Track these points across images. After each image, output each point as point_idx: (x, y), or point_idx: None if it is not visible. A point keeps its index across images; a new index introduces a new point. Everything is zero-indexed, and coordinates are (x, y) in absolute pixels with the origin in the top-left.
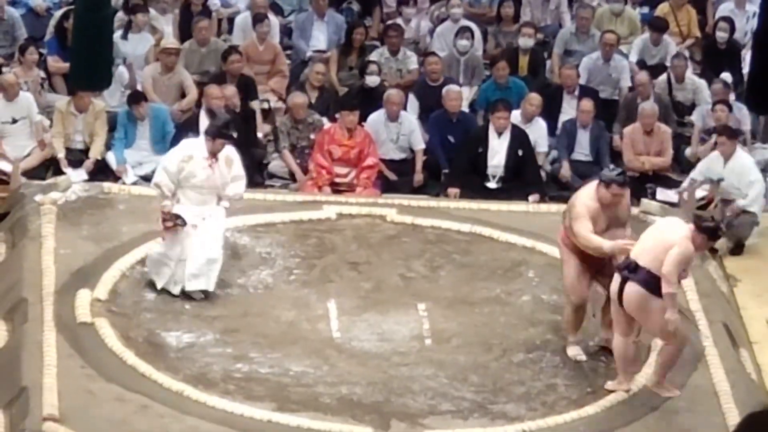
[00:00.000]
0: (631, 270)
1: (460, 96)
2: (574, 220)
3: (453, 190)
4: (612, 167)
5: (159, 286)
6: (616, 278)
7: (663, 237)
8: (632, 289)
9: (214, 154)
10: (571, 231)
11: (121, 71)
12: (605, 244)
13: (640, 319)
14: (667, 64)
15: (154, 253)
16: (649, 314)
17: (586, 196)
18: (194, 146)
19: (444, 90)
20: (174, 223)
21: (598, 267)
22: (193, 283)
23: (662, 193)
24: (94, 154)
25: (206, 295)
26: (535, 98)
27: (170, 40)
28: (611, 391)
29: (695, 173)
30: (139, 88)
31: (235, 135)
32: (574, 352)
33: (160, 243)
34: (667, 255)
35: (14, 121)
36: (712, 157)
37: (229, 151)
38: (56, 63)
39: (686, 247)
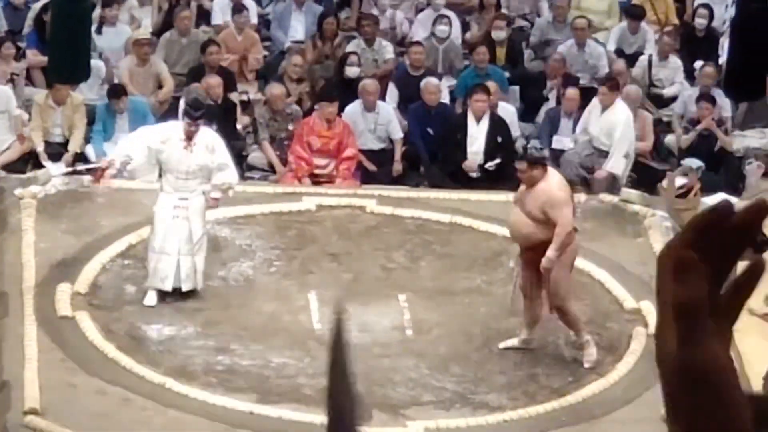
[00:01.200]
0: None
1: (439, 89)
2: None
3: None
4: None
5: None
6: None
7: None
8: None
9: (189, 137)
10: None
11: (98, 65)
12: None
13: None
14: (645, 52)
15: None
16: None
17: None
18: (172, 127)
19: (422, 83)
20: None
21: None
22: (187, 284)
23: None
24: (74, 147)
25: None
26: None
27: (142, 32)
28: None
29: (579, 126)
30: (116, 80)
31: (212, 123)
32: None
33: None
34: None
35: None
36: (590, 107)
37: (211, 137)
38: (35, 56)
39: None
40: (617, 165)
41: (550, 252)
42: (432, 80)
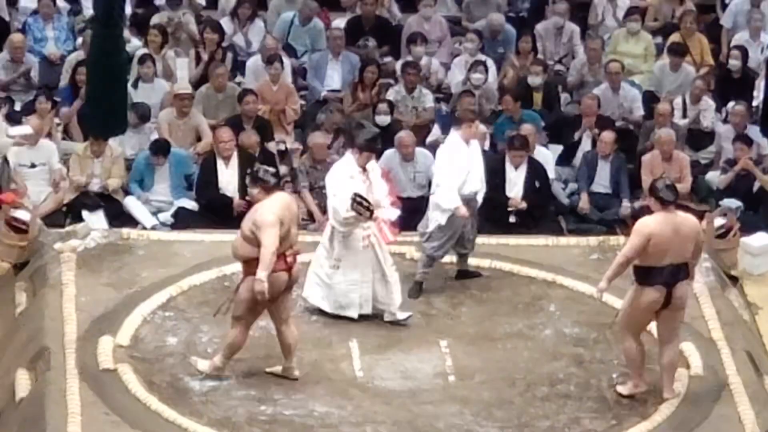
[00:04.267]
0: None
1: (485, 136)
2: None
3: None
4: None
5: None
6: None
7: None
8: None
9: (364, 168)
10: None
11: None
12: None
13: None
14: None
15: (321, 276)
16: None
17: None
18: (346, 165)
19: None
20: (364, 210)
21: None
22: (387, 310)
23: None
24: (111, 184)
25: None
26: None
27: (183, 85)
28: (626, 396)
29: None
30: (155, 135)
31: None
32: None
33: (329, 267)
34: None
35: (33, 166)
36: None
37: (377, 168)
38: (69, 113)
39: None
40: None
41: (258, 272)
42: (480, 127)
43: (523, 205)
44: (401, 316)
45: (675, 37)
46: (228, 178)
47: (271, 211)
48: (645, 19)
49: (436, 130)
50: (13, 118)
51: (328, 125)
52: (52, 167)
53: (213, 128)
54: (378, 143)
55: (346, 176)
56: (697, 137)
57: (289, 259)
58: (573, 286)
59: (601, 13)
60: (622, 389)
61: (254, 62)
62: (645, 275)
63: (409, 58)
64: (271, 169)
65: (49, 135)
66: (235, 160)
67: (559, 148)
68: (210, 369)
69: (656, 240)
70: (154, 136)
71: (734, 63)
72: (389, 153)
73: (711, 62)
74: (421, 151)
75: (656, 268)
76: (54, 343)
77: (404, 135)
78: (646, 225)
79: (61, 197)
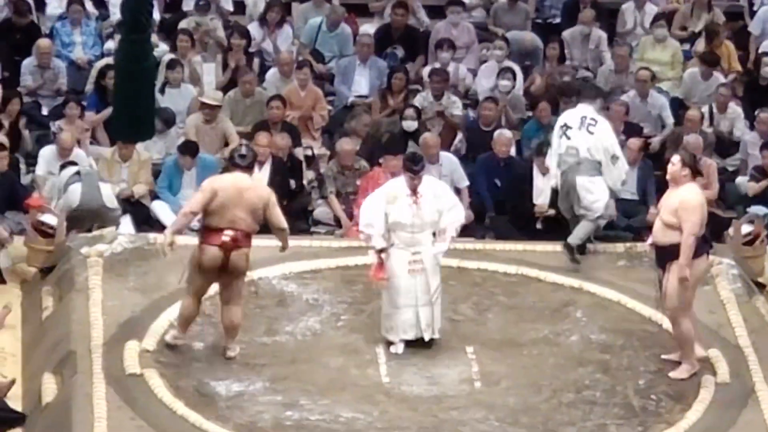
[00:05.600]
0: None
1: (511, 142)
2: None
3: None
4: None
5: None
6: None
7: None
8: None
9: (415, 190)
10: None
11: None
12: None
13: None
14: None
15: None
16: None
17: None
18: (395, 186)
19: (496, 134)
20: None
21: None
22: (428, 333)
23: None
24: (138, 190)
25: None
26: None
27: (210, 94)
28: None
29: None
30: (182, 138)
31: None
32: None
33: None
34: None
35: None
36: None
37: (434, 183)
38: (97, 118)
39: None
40: None
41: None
42: (505, 132)
43: (551, 212)
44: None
45: (701, 43)
46: (259, 180)
47: (211, 180)
48: (672, 26)
49: (461, 136)
50: (39, 121)
51: (360, 127)
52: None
53: (240, 134)
54: (417, 164)
55: (385, 197)
56: (724, 144)
57: (224, 238)
58: (599, 292)
59: (629, 20)
60: (677, 374)
61: (274, 74)
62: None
63: (437, 65)
64: (243, 150)
65: (78, 142)
66: (268, 164)
67: None
68: (171, 340)
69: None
70: (180, 140)
71: (766, 70)
72: None
73: (739, 69)
74: (446, 155)
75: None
76: (80, 348)
77: (428, 136)
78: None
79: None
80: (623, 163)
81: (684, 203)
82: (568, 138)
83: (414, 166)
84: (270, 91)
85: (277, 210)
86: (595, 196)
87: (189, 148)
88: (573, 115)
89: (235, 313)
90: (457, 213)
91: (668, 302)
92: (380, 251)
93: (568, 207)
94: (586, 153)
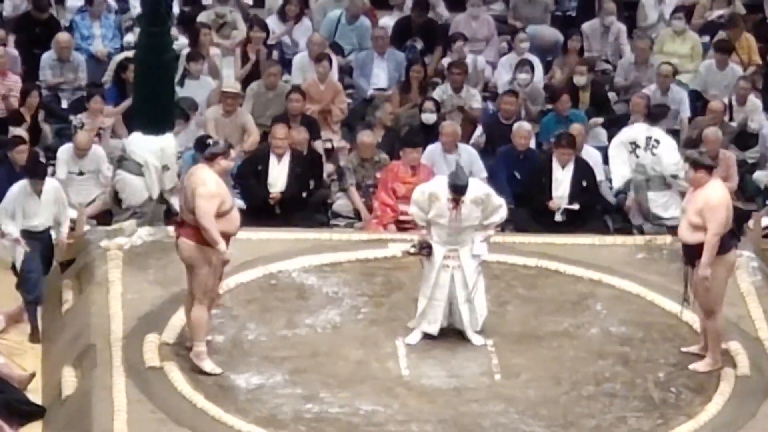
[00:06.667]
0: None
1: (530, 134)
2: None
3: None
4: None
5: (434, 331)
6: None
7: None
8: None
9: (456, 201)
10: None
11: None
12: (221, 244)
13: None
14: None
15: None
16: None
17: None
18: (439, 186)
19: (515, 127)
20: (419, 252)
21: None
22: (473, 327)
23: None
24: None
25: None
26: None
27: (230, 84)
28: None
29: None
30: (201, 131)
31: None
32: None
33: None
34: None
35: (81, 173)
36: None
37: (477, 190)
38: (116, 111)
39: None
40: None
41: None
42: (525, 125)
43: (575, 206)
44: (477, 341)
45: (722, 36)
46: (278, 174)
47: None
48: (692, 19)
49: (481, 130)
50: (58, 114)
51: (384, 116)
52: (104, 173)
53: (260, 126)
54: (464, 186)
55: (429, 192)
56: (744, 137)
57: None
58: (619, 285)
59: (650, 12)
60: (698, 366)
61: (301, 59)
62: None
63: (455, 57)
64: (215, 143)
65: (98, 136)
66: (287, 157)
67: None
68: (210, 369)
69: None
70: (200, 132)
71: None
72: (432, 147)
73: (759, 62)
74: (465, 147)
75: None
76: (100, 341)
77: (447, 124)
78: None
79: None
80: (681, 183)
81: (708, 202)
82: (637, 156)
83: (453, 194)
84: (295, 76)
85: (199, 201)
86: (669, 213)
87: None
88: (639, 133)
89: (194, 309)
90: (501, 213)
91: (699, 299)
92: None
93: (640, 222)
94: (651, 171)
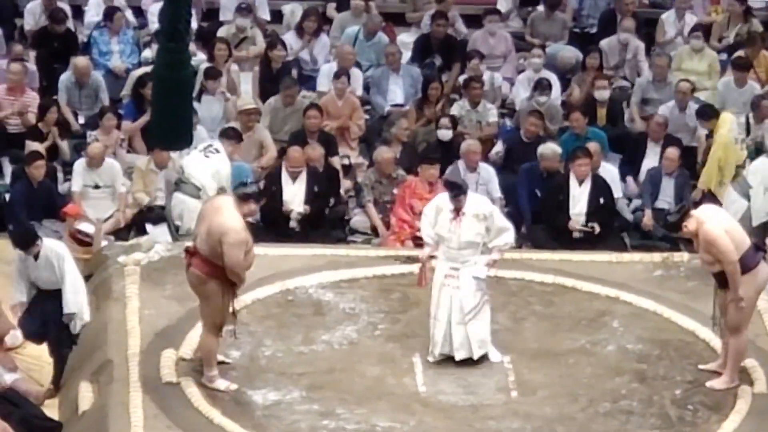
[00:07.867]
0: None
1: (558, 156)
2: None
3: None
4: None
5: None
6: None
7: None
8: None
9: (457, 211)
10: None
11: (199, 130)
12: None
13: None
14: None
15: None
16: None
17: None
18: (443, 200)
19: (544, 148)
20: (421, 275)
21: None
22: (460, 353)
23: None
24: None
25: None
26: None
27: (248, 100)
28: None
29: None
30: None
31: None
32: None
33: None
34: None
35: (97, 187)
36: None
37: (480, 206)
38: (134, 127)
39: None
40: None
41: None
42: (552, 147)
43: (596, 228)
44: (494, 357)
45: (740, 54)
46: (295, 191)
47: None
48: (711, 37)
49: (499, 146)
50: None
51: (400, 132)
52: (117, 189)
53: (278, 143)
54: (465, 188)
55: (435, 205)
56: (759, 153)
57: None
58: (636, 302)
59: (669, 30)
60: (715, 384)
61: (329, 68)
62: None
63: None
64: (251, 188)
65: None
66: (303, 175)
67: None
68: (225, 387)
69: None
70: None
71: None
72: (453, 166)
73: None
74: (484, 166)
75: None
76: (117, 356)
77: (473, 143)
78: None
79: (126, 217)
80: None
81: (706, 239)
82: None
83: (450, 192)
84: (321, 82)
85: (230, 250)
86: None
87: None
88: None
89: (200, 337)
90: (507, 237)
91: (728, 315)
92: (428, 258)
93: None
94: None
